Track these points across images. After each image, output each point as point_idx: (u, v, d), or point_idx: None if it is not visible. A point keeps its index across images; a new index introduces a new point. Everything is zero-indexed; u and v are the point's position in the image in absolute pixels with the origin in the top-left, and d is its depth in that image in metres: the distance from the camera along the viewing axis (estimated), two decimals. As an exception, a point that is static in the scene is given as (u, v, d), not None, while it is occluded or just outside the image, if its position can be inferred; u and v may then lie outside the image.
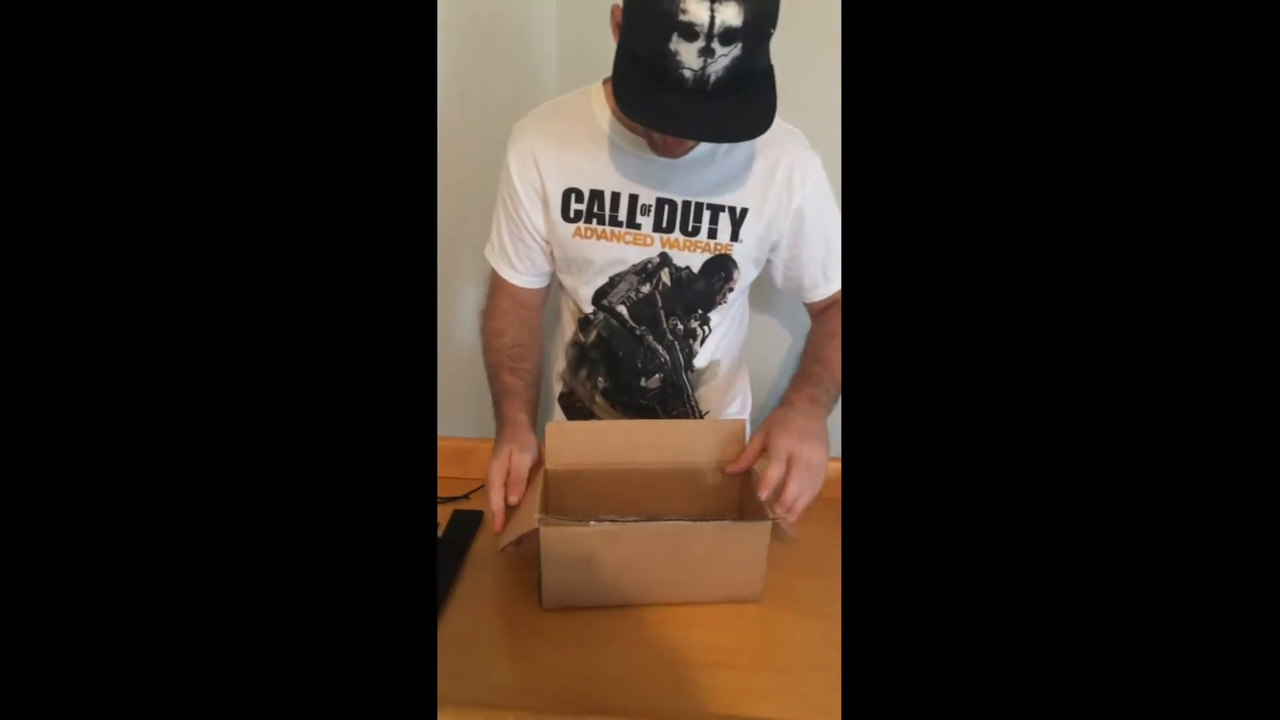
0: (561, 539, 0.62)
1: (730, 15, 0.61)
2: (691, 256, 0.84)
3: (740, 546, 0.64)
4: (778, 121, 0.83)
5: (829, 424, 1.14)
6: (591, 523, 0.62)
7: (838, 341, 0.82)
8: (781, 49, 1.11)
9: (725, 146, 0.81)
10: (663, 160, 0.80)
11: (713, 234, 0.83)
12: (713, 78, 0.63)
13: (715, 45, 0.62)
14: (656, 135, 0.73)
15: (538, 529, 0.61)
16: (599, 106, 0.82)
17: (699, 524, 0.63)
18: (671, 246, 0.84)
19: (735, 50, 0.62)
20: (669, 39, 0.62)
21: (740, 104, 0.65)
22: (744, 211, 0.83)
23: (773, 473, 0.67)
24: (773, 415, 0.73)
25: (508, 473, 0.70)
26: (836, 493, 0.81)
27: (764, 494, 0.67)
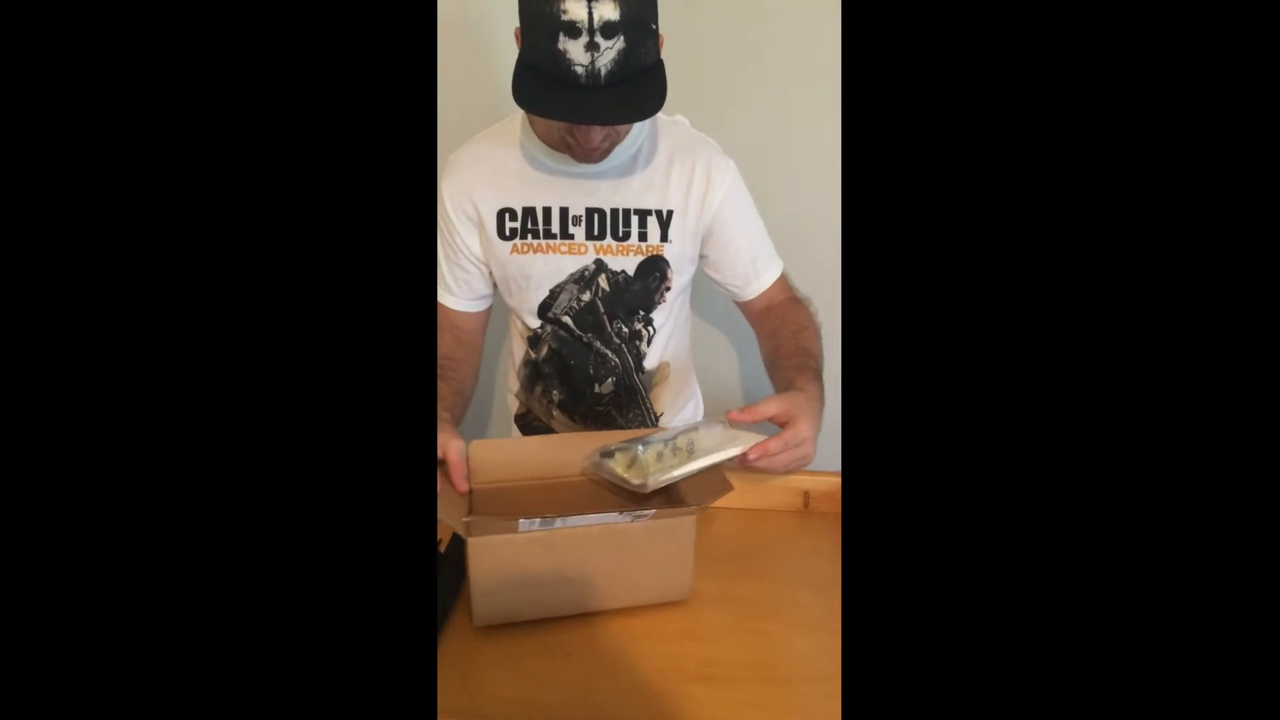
0: (490, 549, 0.59)
1: (607, 10, 0.66)
2: (626, 260, 0.88)
3: (668, 541, 0.64)
4: (694, 131, 0.91)
5: (829, 435, 1.15)
6: (521, 521, 0.59)
7: (810, 333, 0.87)
8: (781, 49, 1.14)
9: (644, 156, 0.87)
10: (588, 173, 0.85)
11: (643, 236, 0.88)
12: (603, 71, 0.68)
13: (599, 39, 0.67)
14: (570, 139, 0.78)
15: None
16: (524, 132, 0.87)
17: (627, 518, 0.62)
18: (605, 252, 0.88)
19: (619, 43, 0.68)
20: (557, 39, 0.67)
21: (631, 92, 0.70)
22: (669, 213, 0.88)
23: (774, 444, 0.69)
24: (798, 398, 0.74)
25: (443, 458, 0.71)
26: (833, 507, 0.82)
27: (741, 418, 0.71)
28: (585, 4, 0.66)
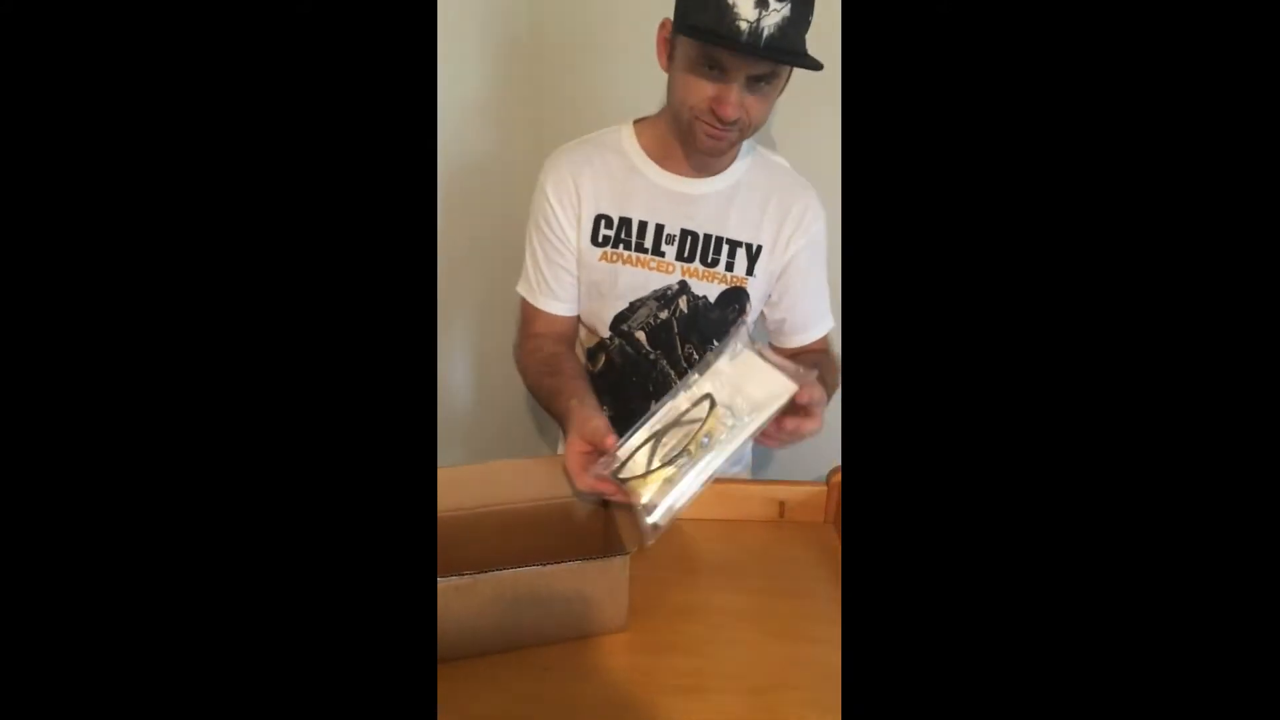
0: None
1: None
2: (709, 286, 0.91)
3: (600, 583, 0.65)
4: (797, 175, 0.94)
5: (802, 446, 1.16)
6: (439, 580, 0.59)
7: (829, 373, 0.87)
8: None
9: (745, 189, 0.89)
10: (688, 195, 0.88)
11: (730, 267, 0.90)
12: (765, 33, 0.71)
13: None
14: (705, 119, 0.78)
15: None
16: (630, 143, 0.90)
17: (555, 566, 0.62)
18: (691, 275, 0.90)
19: (785, 10, 0.71)
20: None
21: (789, 57, 0.73)
22: (759, 248, 0.90)
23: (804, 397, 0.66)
24: (811, 373, 0.69)
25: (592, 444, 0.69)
26: (809, 516, 0.84)
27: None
28: None
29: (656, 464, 0.65)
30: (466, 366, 1.39)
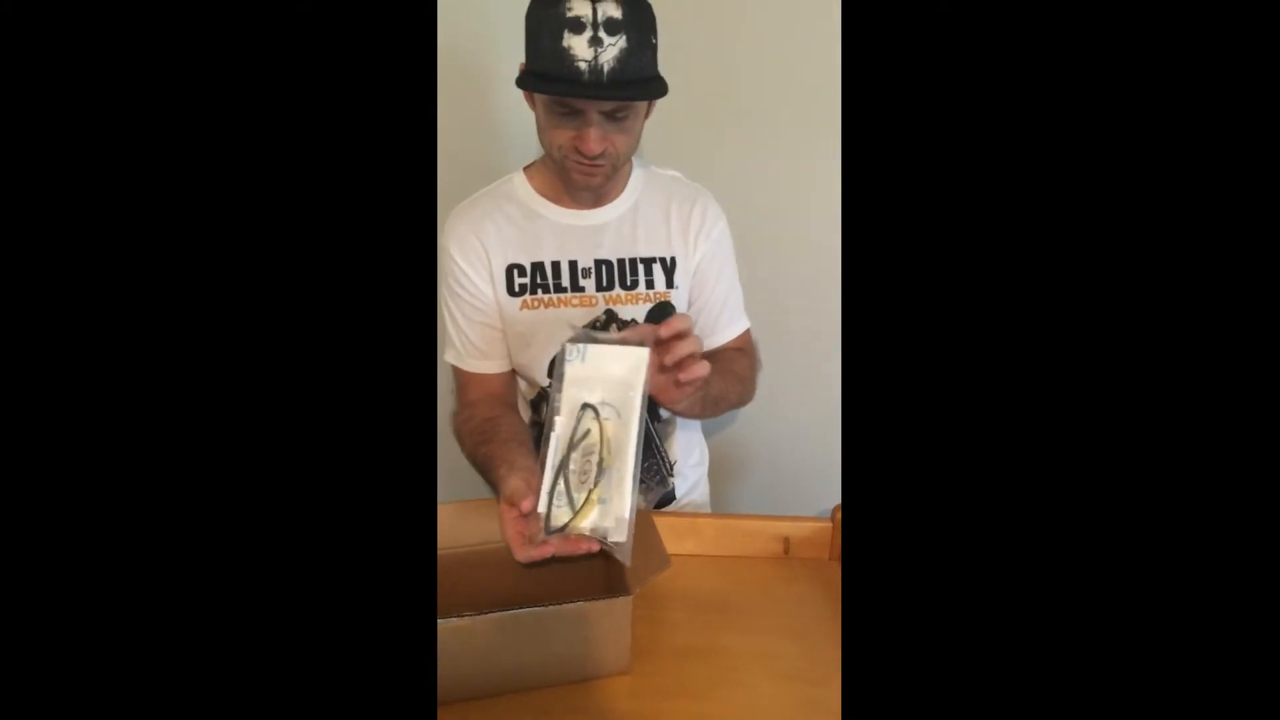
0: None
1: (610, 9, 0.72)
2: (635, 309, 0.91)
3: (603, 624, 0.63)
4: (690, 182, 0.96)
5: (805, 481, 1.15)
6: (439, 621, 0.57)
7: (737, 379, 0.90)
8: (777, 52, 1.17)
9: (644, 206, 0.91)
10: (592, 226, 0.89)
11: (650, 284, 0.91)
12: (606, 68, 0.71)
13: (602, 35, 0.71)
14: (573, 158, 0.79)
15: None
16: (524, 189, 0.91)
17: (557, 607, 0.60)
18: (614, 302, 0.90)
19: (621, 41, 0.71)
20: (561, 37, 0.71)
21: (632, 90, 0.74)
22: (673, 260, 0.91)
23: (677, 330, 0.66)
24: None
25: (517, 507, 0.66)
26: (814, 552, 0.82)
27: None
28: (590, 3, 0.71)
29: (579, 495, 0.64)
30: (448, 401, 1.38)
